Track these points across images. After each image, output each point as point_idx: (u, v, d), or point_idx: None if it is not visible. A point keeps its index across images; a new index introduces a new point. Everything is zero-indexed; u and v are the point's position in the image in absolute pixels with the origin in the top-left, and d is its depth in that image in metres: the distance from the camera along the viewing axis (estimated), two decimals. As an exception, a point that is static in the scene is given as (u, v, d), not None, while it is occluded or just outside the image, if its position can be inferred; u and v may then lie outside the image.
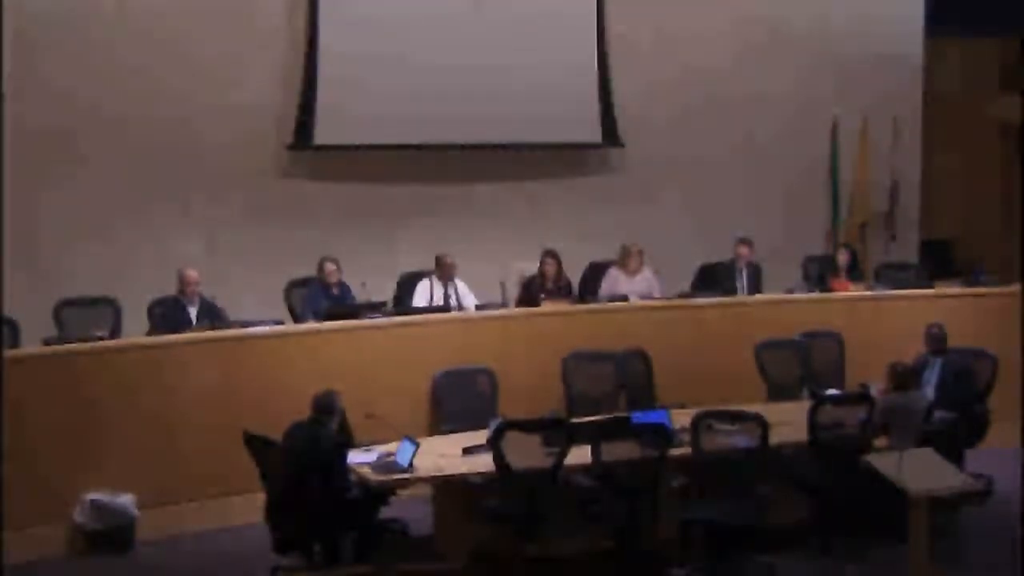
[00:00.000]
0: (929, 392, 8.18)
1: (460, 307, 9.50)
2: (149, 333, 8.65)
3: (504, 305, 9.48)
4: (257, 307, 9.19)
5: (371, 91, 10.56)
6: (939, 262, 12.78)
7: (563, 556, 7.14)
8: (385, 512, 7.16)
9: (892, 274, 11.04)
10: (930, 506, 6.65)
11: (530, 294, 9.83)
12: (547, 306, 9.55)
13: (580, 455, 6.85)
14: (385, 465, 6.97)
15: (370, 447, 7.23)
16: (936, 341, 8.53)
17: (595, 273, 10.60)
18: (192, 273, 8.86)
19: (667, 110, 11.78)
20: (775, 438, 7.06)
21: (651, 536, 7.02)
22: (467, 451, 7.23)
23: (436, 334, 8.88)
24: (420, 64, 10.70)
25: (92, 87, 9.89)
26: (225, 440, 7.36)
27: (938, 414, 7.91)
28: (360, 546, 7.05)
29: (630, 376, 8.84)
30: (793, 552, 7.44)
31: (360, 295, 9.35)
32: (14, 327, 8.35)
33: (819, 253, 11.89)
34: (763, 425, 6.96)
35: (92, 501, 7.59)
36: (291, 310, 9.63)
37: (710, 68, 11.91)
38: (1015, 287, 10.04)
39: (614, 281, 10.16)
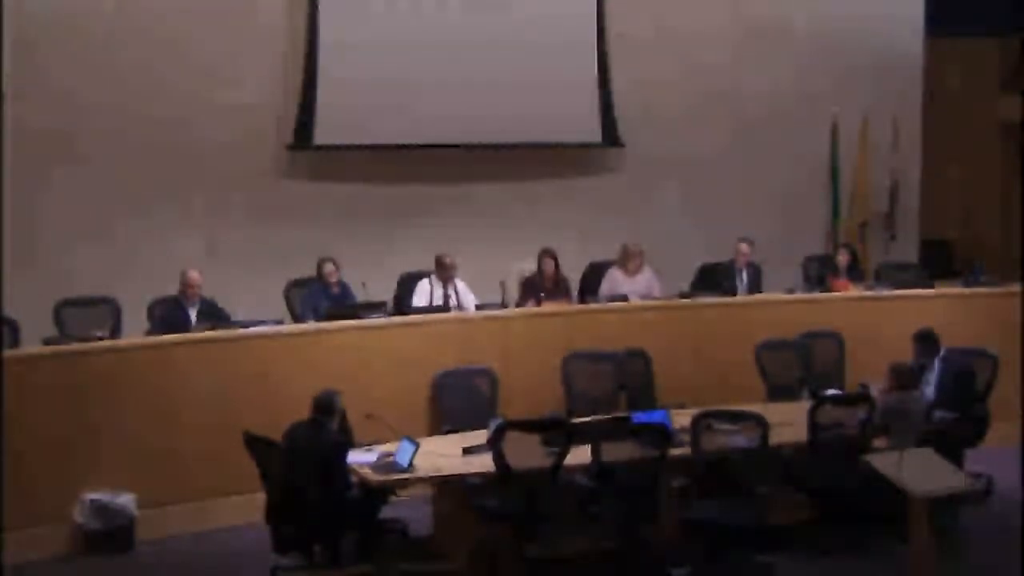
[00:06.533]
0: (929, 392, 8.17)
1: (460, 307, 9.49)
2: (149, 333, 8.65)
3: (504, 305, 9.47)
4: (257, 307, 9.18)
5: (371, 91, 10.55)
6: (939, 262, 12.78)
7: (563, 556, 7.14)
8: (385, 512, 7.15)
9: (892, 274, 11.02)
10: (930, 506, 6.64)
11: (530, 294, 9.82)
12: (547, 306, 9.54)
13: (580, 455, 6.84)
14: (385, 465, 6.96)
15: (370, 447, 7.23)
16: (927, 345, 8.48)
17: (595, 273, 10.59)
18: (194, 275, 8.84)
19: (667, 110, 11.78)
20: (775, 438, 7.06)
21: (651, 536, 7.02)
22: (467, 451, 7.23)
23: (436, 334, 8.87)
24: (420, 64, 10.70)
25: (92, 87, 9.88)
26: (225, 440, 7.36)
27: (938, 414, 7.90)
28: (360, 546, 7.04)
29: (630, 376, 8.83)
30: (793, 552, 7.44)
31: (360, 295, 9.35)
32: (14, 327, 8.35)
33: (819, 253, 11.90)
34: (763, 425, 6.96)
35: (92, 501, 7.59)
36: (291, 310, 9.63)
37: (710, 69, 11.92)
38: (1015, 287, 10.05)
39: (614, 281, 10.16)
